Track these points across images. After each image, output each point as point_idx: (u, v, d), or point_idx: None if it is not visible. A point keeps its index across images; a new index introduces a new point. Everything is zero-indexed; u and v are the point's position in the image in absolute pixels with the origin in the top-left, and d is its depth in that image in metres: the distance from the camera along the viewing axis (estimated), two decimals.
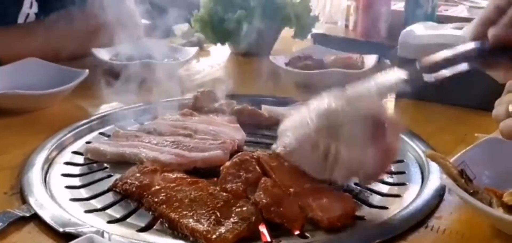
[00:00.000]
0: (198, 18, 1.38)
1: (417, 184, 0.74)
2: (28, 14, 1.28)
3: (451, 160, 0.66)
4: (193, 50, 1.27)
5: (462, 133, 0.90)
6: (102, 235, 0.57)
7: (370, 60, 1.17)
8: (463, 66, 0.65)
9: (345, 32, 1.69)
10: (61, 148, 0.83)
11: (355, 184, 0.71)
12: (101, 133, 0.89)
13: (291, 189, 0.66)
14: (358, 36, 1.57)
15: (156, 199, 0.64)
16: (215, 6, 1.35)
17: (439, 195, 0.69)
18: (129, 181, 0.69)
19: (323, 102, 0.69)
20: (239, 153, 0.73)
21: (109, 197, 0.69)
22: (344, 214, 0.63)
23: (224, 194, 0.65)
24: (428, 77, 0.66)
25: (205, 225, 0.59)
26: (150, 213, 0.65)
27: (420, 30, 1.07)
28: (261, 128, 0.92)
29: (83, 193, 0.71)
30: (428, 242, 0.61)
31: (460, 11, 1.65)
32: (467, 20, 1.25)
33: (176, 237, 0.60)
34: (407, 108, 0.98)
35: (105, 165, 0.78)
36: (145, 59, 1.14)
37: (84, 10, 1.24)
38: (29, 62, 1.07)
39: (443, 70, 0.65)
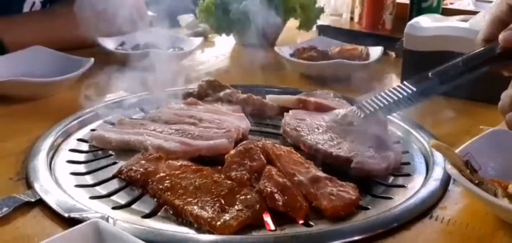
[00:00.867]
0: (203, 9, 1.38)
1: (421, 174, 0.74)
2: (33, 3, 1.28)
3: (456, 151, 0.66)
4: (198, 40, 1.27)
5: (467, 125, 0.89)
6: (107, 220, 0.58)
7: (375, 52, 1.17)
8: (474, 75, 0.66)
9: (350, 25, 1.69)
10: (66, 135, 0.83)
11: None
12: (106, 121, 0.89)
13: (296, 178, 0.66)
14: (363, 28, 1.57)
15: (160, 186, 0.65)
16: None
17: (444, 185, 0.69)
18: (134, 168, 0.69)
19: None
20: (244, 142, 0.73)
21: (114, 184, 0.69)
22: (349, 203, 0.63)
23: (229, 182, 0.65)
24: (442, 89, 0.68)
25: (210, 212, 0.60)
26: (155, 200, 0.65)
27: (425, 22, 1.06)
28: (265, 118, 0.92)
29: (88, 179, 0.71)
30: (433, 232, 0.61)
31: (466, 4, 1.65)
32: (473, 13, 1.24)
33: (180, 223, 0.61)
34: None
35: (110, 152, 0.78)
36: (150, 48, 1.14)
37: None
38: (35, 50, 1.07)
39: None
